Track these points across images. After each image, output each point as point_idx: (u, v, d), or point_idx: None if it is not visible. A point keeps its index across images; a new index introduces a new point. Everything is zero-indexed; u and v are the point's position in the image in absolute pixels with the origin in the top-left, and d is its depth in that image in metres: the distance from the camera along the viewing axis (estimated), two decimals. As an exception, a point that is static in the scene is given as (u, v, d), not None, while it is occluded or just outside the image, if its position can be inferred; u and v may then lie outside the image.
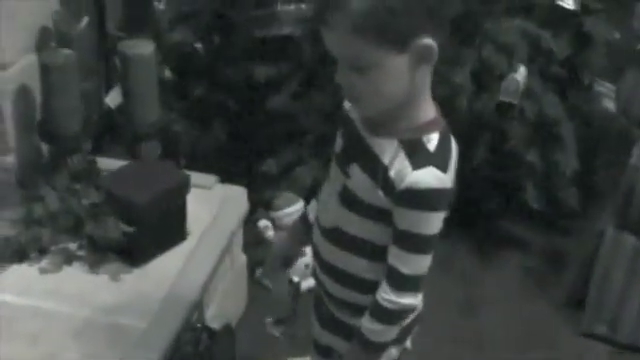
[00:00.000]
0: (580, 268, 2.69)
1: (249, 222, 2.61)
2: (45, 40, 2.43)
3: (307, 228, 1.72)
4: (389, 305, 1.54)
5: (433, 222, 1.48)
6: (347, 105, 1.58)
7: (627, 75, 2.68)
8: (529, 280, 2.86)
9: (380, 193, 1.49)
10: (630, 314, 2.54)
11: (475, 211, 2.94)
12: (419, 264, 1.52)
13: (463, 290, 2.80)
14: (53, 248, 2.21)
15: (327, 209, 1.62)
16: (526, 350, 2.58)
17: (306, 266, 2.37)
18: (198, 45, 2.94)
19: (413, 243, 1.50)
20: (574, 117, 2.83)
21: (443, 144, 1.48)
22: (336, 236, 1.59)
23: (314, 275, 1.71)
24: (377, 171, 1.48)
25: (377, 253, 1.55)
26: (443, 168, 1.46)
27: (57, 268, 2.18)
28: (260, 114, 2.85)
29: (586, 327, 2.62)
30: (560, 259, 2.92)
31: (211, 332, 2.18)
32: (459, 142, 1.53)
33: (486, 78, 2.72)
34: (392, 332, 1.59)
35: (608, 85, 2.92)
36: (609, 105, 2.89)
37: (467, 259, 2.93)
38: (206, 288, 2.20)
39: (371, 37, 1.38)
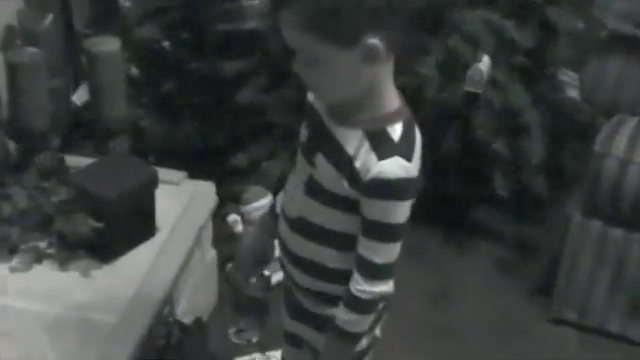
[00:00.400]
0: (549, 255, 2.72)
1: (219, 217, 2.62)
2: (10, 39, 2.43)
3: (276, 221, 1.72)
4: (364, 295, 1.55)
5: (401, 211, 1.50)
6: (311, 95, 1.58)
7: (590, 64, 2.70)
8: (500, 269, 2.88)
9: (345, 184, 1.50)
10: (598, 299, 2.57)
11: (445, 201, 2.95)
12: (390, 252, 1.53)
13: (434, 280, 2.81)
14: (23, 247, 2.20)
15: (293, 199, 1.63)
16: (499, 338, 2.60)
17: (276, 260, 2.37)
18: (165, 43, 2.93)
19: (383, 233, 1.51)
20: (539, 106, 2.85)
21: (407, 134, 1.49)
22: (302, 227, 1.60)
23: (282, 267, 1.72)
24: (342, 161, 1.49)
25: (344, 243, 1.56)
26: (408, 157, 1.47)
27: (27, 267, 2.17)
28: (229, 109, 2.85)
29: (556, 313, 2.64)
30: (530, 247, 2.94)
31: (182, 326, 2.19)
32: (426, 132, 1.54)
33: (453, 68, 2.74)
34: (368, 321, 1.60)
35: (572, 74, 2.94)
36: (573, 94, 2.91)
37: (438, 249, 2.94)
38: (176, 283, 2.21)
39: (318, 35, 1.40)
